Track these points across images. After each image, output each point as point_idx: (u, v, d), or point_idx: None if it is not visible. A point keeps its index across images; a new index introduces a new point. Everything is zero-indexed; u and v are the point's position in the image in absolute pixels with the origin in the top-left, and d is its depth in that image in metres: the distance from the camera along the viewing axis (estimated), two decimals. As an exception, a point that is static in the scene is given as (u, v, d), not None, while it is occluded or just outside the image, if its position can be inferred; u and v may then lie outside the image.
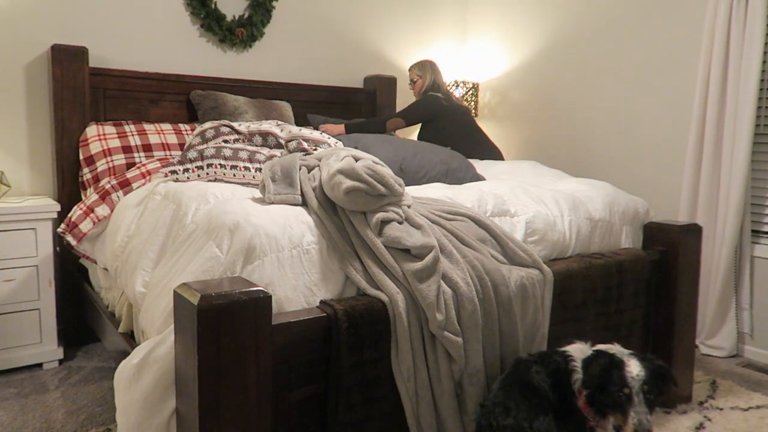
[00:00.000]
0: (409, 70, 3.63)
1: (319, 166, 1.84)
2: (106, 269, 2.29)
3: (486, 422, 1.52)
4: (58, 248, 2.77)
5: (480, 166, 2.91)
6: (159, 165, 2.56)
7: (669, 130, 3.19)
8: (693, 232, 2.32)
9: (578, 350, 1.63)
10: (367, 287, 1.57)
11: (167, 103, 3.14)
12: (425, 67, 3.59)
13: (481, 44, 4.29)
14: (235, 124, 2.38)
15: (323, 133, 2.36)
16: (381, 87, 3.83)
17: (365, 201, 1.62)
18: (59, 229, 2.49)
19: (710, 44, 2.87)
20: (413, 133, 3.99)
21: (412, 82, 3.61)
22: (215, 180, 2.13)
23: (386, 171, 1.69)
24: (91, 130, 2.80)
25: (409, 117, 3.39)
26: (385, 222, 1.63)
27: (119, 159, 2.71)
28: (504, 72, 4.13)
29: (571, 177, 2.72)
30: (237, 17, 3.38)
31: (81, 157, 2.76)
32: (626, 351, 1.60)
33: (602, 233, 2.23)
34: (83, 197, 2.73)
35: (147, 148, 2.80)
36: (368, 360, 1.50)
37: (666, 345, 2.31)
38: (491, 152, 3.36)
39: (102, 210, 2.39)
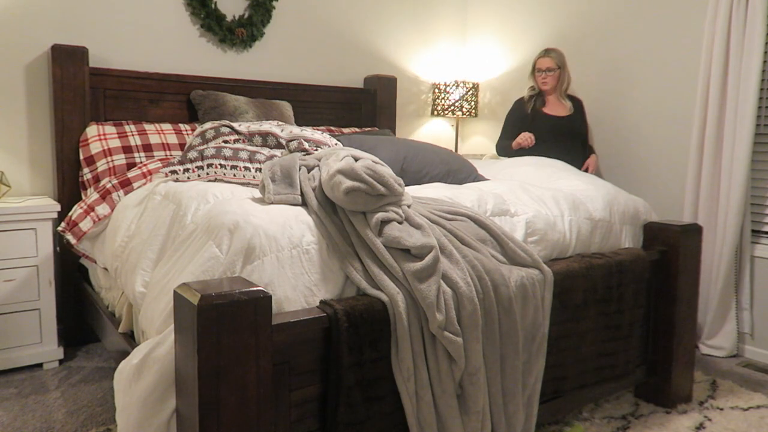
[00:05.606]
0: (547, 55, 3.31)
1: (318, 166, 1.84)
2: (106, 269, 2.29)
3: None
4: (58, 248, 2.77)
5: (482, 163, 2.92)
6: (160, 165, 2.56)
7: (670, 130, 3.19)
8: (693, 232, 2.33)
9: None
10: (367, 287, 1.57)
11: (167, 103, 3.14)
12: (564, 57, 3.33)
13: (481, 44, 4.29)
14: (235, 125, 2.38)
15: (324, 134, 2.36)
16: (381, 87, 3.84)
17: (365, 201, 1.62)
18: (59, 228, 2.49)
19: (710, 44, 2.87)
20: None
21: (549, 71, 3.30)
22: (215, 180, 2.13)
23: (386, 171, 1.68)
24: (91, 130, 2.80)
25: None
26: (384, 222, 1.63)
27: (119, 159, 2.71)
28: (504, 72, 4.13)
29: (572, 169, 2.71)
30: (237, 17, 3.38)
31: (81, 157, 2.76)
32: None
33: (602, 233, 2.23)
34: (83, 197, 2.73)
35: (147, 148, 2.80)
36: (368, 360, 1.50)
37: (666, 345, 2.31)
38: None
39: (102, 209, 2.40)
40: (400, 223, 1.65)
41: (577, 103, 3.38)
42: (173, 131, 2.95)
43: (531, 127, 3.31)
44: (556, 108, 3.35)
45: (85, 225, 2.39)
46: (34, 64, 2.87)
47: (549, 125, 3.29)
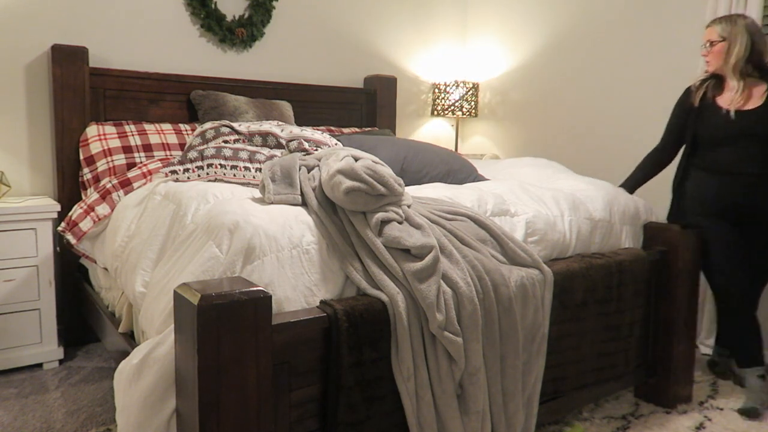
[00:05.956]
0: (711, 24, 2.42)
1: (318, 166, 1.84)
2: (106, 269, 2.29)
3: None
4: (58, 248, 2.77)
5: (482, 163, 2.92)
6: (160, 165, 2.56)
7: (669, 130, 3.19)
8: (693, 232, 2.32)
9: None
10: (367, 287, 1.57)
11: (167, 103, 3.14)
12: (738, 24, 2.33)
13: (481, 44, 4.29)
14: (235, 125, 2.38)
15: (324, 134, 2.36)
16: (381, 87, 3.84)
17: (365, 201, 1.62)
18: (59, 228, 2.49)
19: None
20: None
21: (710, 45, 2.40)
22: (215, 180, 2.13)
23: (386, 171, 1.68)
24: (92, 130, 2.80)
25: None
26: (384, 222, 1.63)
27: (119, 159, 2.71)
28: (504, 72, 4.13)
29: (571, 172, 2.72)
30: (237, 17, 3.38)
31: (81, 157, 2.76)
32: None
33: (602, 233, 2.23)
34: (83, 197, 2.73)
35: (147, 148, 2.80)
36: (368, 360, 1.50)
37: (666, 345, 2.31)
38: None
39: (102, 209, 2.40)
40: (400, 223, 1.65)
41: None
42: (173, 131, 2.95)
43: (697, 124, 2.47)
44: (737, 97, 2.37)
45: (85, 225, 2.39)
46: (34, 64, 2.87)
47: (723, 123, 2.37)
